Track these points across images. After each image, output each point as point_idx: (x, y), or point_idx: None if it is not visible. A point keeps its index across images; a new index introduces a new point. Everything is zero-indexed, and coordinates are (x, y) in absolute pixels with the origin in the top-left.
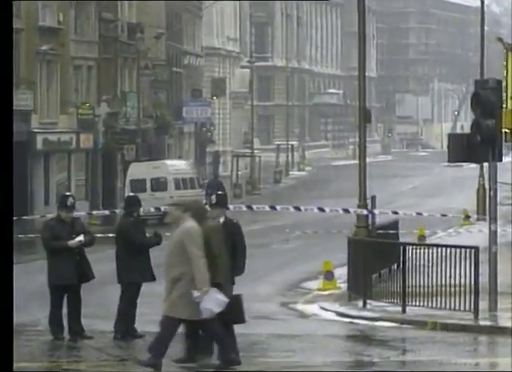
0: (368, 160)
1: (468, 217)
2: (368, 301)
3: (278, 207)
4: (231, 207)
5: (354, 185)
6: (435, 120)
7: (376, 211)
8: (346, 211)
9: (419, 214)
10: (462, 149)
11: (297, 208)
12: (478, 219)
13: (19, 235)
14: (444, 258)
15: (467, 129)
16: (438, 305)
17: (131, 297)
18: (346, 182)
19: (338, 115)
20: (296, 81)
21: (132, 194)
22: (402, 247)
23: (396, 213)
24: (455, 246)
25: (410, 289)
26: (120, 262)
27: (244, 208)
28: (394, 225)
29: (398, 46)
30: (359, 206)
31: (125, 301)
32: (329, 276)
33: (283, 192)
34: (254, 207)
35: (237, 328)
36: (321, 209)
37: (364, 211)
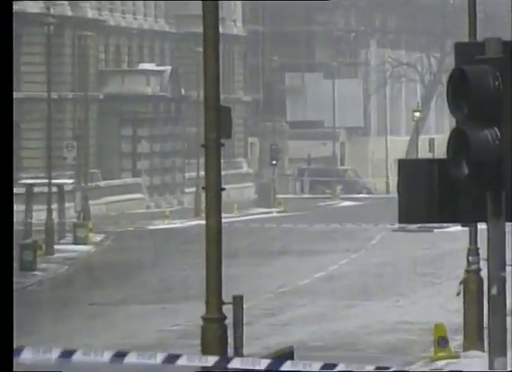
0: (226, 217)
1: (445, 341)
2: None
3: None
4: None
5: (198, 274)
6: (373, 130)
7: (248, 365)
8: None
9: None
10: (430, 194)
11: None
12: (466, 346)
13: None
14: None
15: (441, 150)
16: None
17: None
18: (178, 267)
19: (162, 120)
20: (70, 47)
21: None
22: None
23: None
24: None
25: None
26: None
27: None
28: (288, 357)
29: None
30: (205, 320)
31: None
32: None
33: (39, 294)
34: None
35: None
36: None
37: (210, 361)
